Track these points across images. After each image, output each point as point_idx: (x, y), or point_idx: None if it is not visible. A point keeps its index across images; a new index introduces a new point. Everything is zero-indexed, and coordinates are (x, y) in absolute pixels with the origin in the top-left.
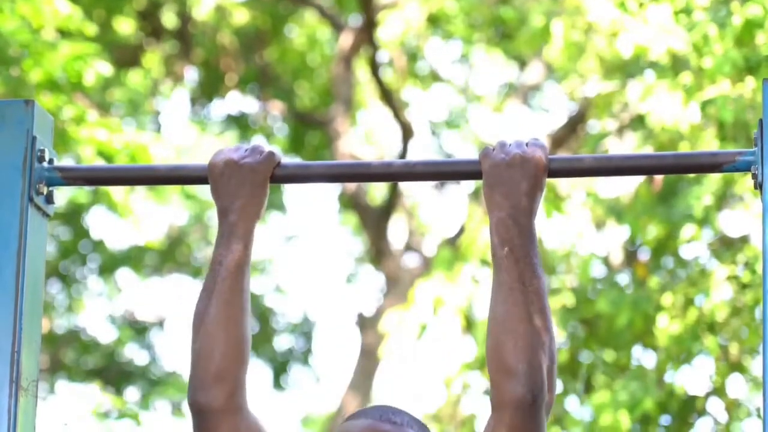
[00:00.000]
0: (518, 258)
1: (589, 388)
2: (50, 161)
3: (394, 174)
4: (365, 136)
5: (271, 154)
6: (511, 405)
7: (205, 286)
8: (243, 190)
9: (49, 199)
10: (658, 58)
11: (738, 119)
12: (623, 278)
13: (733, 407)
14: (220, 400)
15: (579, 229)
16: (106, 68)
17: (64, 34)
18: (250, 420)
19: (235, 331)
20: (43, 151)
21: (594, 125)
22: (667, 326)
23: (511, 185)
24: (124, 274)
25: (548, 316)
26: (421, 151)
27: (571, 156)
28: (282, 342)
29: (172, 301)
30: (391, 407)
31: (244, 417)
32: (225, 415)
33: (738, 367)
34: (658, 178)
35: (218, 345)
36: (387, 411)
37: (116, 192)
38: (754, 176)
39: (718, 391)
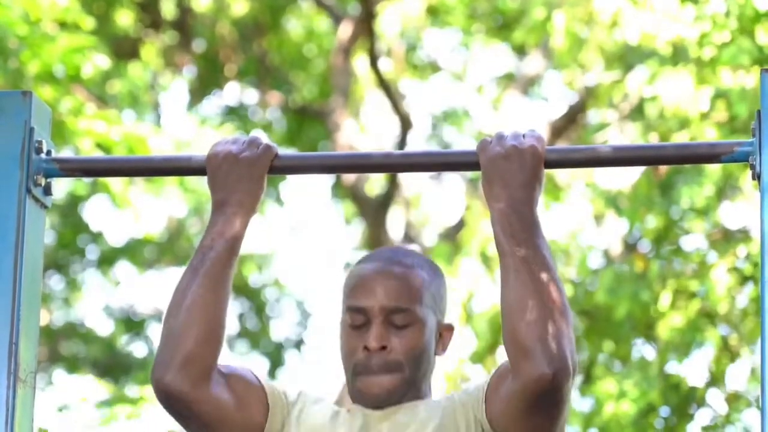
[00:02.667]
0: (520, 242)
1: (588, 380)
2: (48, 152)
3: (393, 165)
4: (363, 127)
5: (269, 146)
6: (530, 382)
7: (191, 266)
8: (241, 184)
9: (47, 190)
10: (661, 48)
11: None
12: (623, 270)
13: (732, 399)
14: (186, 383)
15: (578, 221)
16: (104, 61)
17: (62, 26)
18: (223, 395)
19: (214, 315)
20: (40, 142)
21: (594, 115)
22: (668, 318)
23: (509, 178)
24: (122, 266)
25: (559, 288)
26: (419, 142)
27: (569, 147)
28: (278, 333)
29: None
30: (402, 248)
31: (215, 396)
32: (192, 397)
33: (738, 358)
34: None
35: (194, 326)
36: (397, 252)
37: (115, 183)
38: (752, 167)
39: (718, 382)
